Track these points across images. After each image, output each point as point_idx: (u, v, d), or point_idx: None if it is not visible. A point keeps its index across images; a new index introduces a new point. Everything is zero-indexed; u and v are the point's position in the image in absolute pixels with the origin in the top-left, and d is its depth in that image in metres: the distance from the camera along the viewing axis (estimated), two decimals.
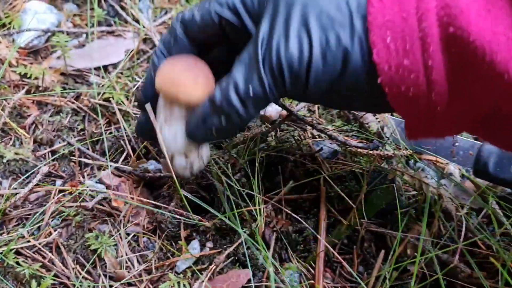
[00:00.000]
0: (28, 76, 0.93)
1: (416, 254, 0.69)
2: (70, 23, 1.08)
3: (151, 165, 0.86)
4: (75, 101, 0.91)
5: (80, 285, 0.70)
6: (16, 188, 0.79)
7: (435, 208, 0.75)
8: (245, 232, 0.75)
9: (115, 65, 0.99)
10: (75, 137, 0.88)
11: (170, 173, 0.72)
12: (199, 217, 0.77)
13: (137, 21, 1.07)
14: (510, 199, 0.78)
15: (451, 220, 0.75)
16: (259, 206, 0.73)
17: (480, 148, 0.80)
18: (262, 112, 0.93)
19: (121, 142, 0.88)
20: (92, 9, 1.04)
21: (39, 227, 0.76)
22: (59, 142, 0.87)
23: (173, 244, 0.78)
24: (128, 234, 0.78)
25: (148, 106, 0.67)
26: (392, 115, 0.92)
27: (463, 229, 0.73)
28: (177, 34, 0.65)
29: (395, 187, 0.78)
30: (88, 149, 0.87)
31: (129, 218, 0.80)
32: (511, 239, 0.74)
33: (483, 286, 0.69)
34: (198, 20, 0.62)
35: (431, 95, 0.50)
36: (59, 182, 0.82)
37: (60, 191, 0.80)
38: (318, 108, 0.96)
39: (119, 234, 0.77)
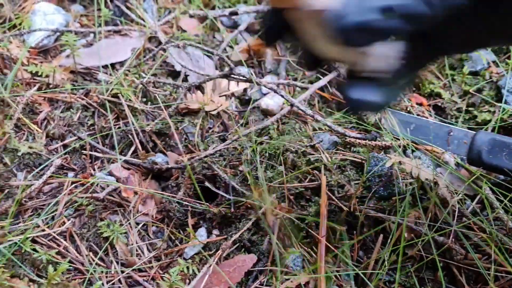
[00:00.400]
0: (39, 74, 0.97)
1: (413, 237, 0.73)
2: (77, 23, 1.12)
3: (159, 157, 0.90)
4: (84, 98, 0.95)
5: (94, 271, 0.74)
6: (30, 180, 0.82)
7: (431, 195, 0.79)
8: (250, 219, 0.79)
9: (122, 63, 1.02)
10: (85, 132, 0.92)
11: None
12: (207, 203, 0.80)
13: (143, 21, 1.11)
14: (503, 185, 0.81)
15: (446, 205, 0.79)
16: (264, 194, 0.77)
17: (473, 137, 0.83)
18: (264, 106, 0.96)
19: (130, 136, 0.92)
20: (99, 9, 1.07)
21: (53, 217, 0.80)
22: (70, 137, 0.90)
23: (181, 232, 0.81)
24: (137, 224, 0.82)
25: None
26: (389, 107, 0.96)
27: (457, 213, 0.77)
28: None
29: (393, 175, 0.81)
30: (98, 143, 0.91)
31: (138, 208, 0.83)
32: (503, 223, 0.77)
33: (477, 267, 0.73)
34: None
35: None
36: (71, 174, 0.86)
37: (72, 182, 0.83)
38: (318, 102, 0.99)
39: (129, 223, 0.81)
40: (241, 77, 0.94)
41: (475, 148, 0.82)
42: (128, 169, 0.88)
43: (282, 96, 0.92)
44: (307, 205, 0.81)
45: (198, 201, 0.82)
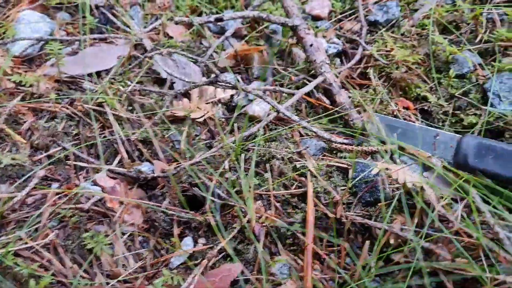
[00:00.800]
0: (23, 83, 0.96)
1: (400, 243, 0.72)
2: (63, 31, 1.11)
3: (145, 166, 0.89)
4: (69, 107, 0.94)
5: (78, 283, 0.73)
6: (13, 192, 0.81)
7: (417, 200, 0.78)
8: (235, 227, 0.78)
9: (107, 71, 1.02)
10: (70, 142, 0.91)
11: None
12: (193, 212, 0.79)
13: (129, 28, 1.10)
14: (489, 189, 0.81)
15: (433, 210, 0.78)
16: (249, 202, 0.76)
17: (460, 141, 0.83)
18: (251, 112, 0.96)
19: (115, 145, 0.91)
20: (84, 17, 1.07)
21: (36, 229, 0.79)
22: (55, 147, 0.90)
23: (167, 241, 0.80)
24: (123, 234, 0.81)
25: None
26: (376, 111, 0.96)
27: (443, 218, 0.76)
28: None
29: (379, 181, 0.81)
30: (82, 153, 0.90)
31: (124, 218, 0.82)
32: (490, 227, 0.77)
33: (464, 271, 0.72)
34: None
35: None
36: (55, 185, 0.85)
37: (57, 193, 0.82)
38: (306, 107, 0.99)
39: (115, 234, 0.80)
40: (227, 84, 0.94)
41: (462, 152, 0.82)
42: (114, 178, 0.87)
43: (268, 102, 0.92)
44: (294, 212, 0.81)
45: (184, 210, 0.81)
